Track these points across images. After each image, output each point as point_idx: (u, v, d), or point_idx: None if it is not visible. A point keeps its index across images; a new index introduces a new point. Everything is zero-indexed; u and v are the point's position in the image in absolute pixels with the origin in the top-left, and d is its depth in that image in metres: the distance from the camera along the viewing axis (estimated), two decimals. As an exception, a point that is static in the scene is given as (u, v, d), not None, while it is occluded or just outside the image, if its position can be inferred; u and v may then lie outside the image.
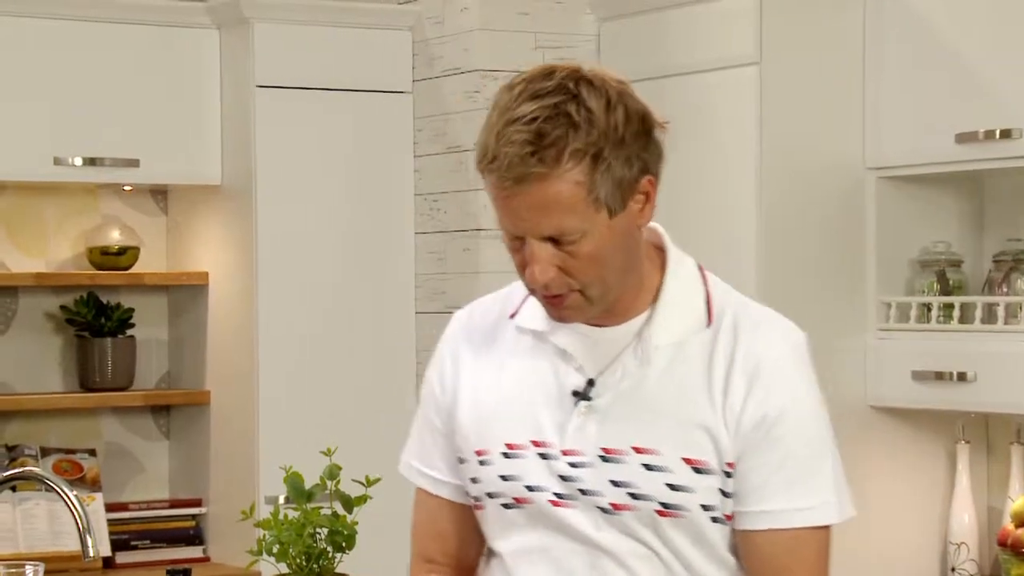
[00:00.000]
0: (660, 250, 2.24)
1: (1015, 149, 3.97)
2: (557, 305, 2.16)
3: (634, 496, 2.15)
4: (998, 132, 3.99)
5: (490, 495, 2.25)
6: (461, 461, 2.29)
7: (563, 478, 2.18)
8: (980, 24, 4.06)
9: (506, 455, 2.22)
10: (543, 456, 2.19)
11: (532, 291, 2.18)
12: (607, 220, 2.10)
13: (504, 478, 2.23)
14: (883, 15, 4.26)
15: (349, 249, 4.75)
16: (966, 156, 4.09)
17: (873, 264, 4.31)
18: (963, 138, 4.07)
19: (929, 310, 4.26)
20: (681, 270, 2.22)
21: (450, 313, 4.69)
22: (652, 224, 2.23)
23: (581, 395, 2.19)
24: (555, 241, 2.10)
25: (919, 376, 4.17)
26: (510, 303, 2.31)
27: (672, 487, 2.14)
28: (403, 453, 2.41)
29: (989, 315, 4.12)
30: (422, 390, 2.41)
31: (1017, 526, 4.09)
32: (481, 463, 2.25)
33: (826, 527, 2.17)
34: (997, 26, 4.02)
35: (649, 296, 2.20)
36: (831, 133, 4.29)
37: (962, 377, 4.07)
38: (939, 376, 4.12)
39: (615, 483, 2.16)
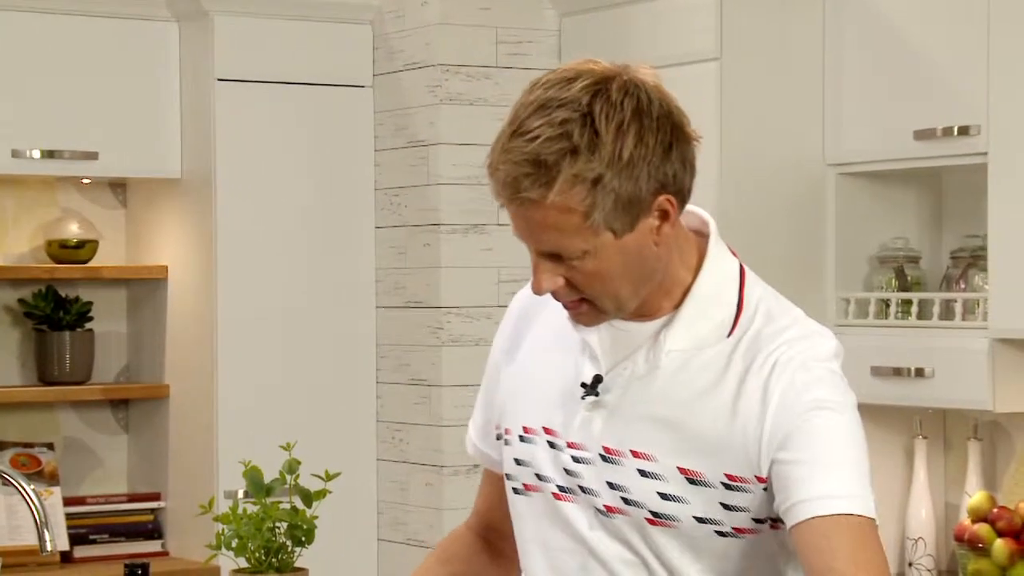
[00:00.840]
0: (706, 239, 2.17)
1: (973, 146, 3.98)
2: (571, 311, 2.12)
3: (626, 501, 2.12)
4: (956, 129, 4.01)
5: (507, 476, 2.25)
6: (497, 437, 2.29)
7: (567, 472, 2.16)
8: (938, 22, 4.08)
9: (522, 438, 2.21)
10: (551, 445, 2.18)
11: None
12: (613, 240, 2.03)
13: (518, 462, 2.22)
14: (842, 12, 4.28)
15: (309, 244, 4.74)
16: (924, 153, 4.11)
17: (832, 260, 4.33)
18: (921, 135, 4.09)
19: (888, 306, 4.28)
20: (715, 274, 2.14)
21: (410, 307, 4.73)
22: (703, 214, 2.18)
23: (589, 388, 2.15)
24: (558, 256, 2.05)
25: (877, 372, 4.19)
26: None
27: (663, 496, 2.10)
28: (469, 424, 2.42)
29: (947, 311, 4.14)
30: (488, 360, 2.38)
31: (974, 521, 4.11)
32: (506, 442, 2.25)
33: (861, 518, 2.02)
34: (955, 23, 4.04)
35: (679, 296, 2.13)
36: (791, 129, 4.30)
37: (920, 373, 4.09)
38: (897, 372, 4.14)
39: (611, 485, 2.12)
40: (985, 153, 3.95)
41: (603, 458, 2.13)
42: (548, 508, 2.19)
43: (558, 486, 2.17)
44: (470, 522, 2.44)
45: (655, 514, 2.10)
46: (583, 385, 2.15)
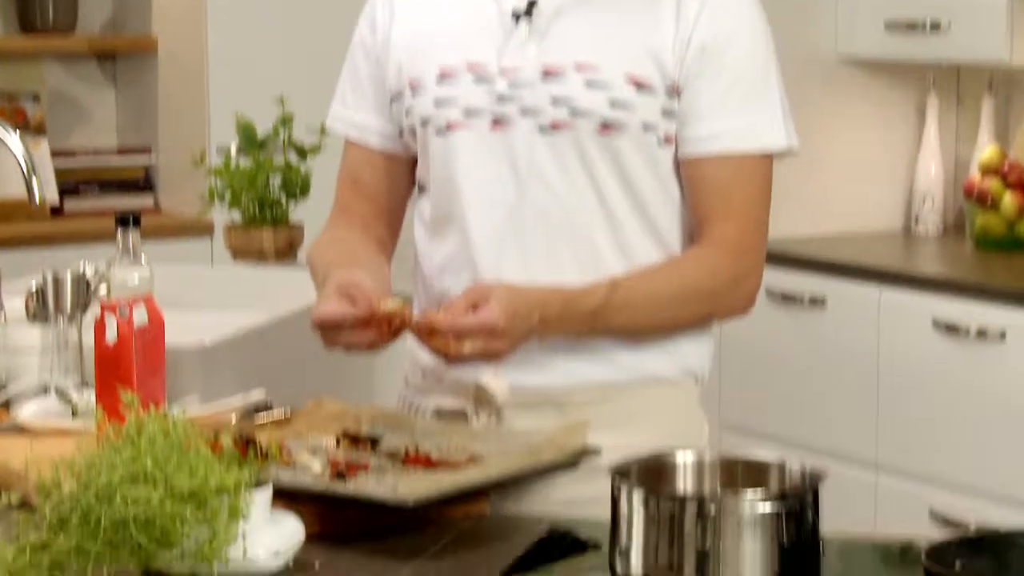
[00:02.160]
0: None
1: None
2: None
3: (575, 113, 2.12)
4: None
5: (423, 123, 2.20)
6: (395, 99, 2.24)
7: (502, 98, 2.15)
8: None
9: (440, 80, 2.18)
10: (480, 79, 2.15)
11: None
12: None
13: (439, 102, 2.18)
14: None
15: None
16: None
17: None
18: None
19: (903, -44, 4.14)
20: None
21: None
22: None
23: (524, 14, 2.15)
24: None
25: (891, 26, 4.09)
26: None
27: (613, 104, 2.12)
28: (331, 107, 2.35)
29: (966, -39, 4.01)
30: (352, 41, 2.33)
31: (984, 175, 4.07)
32: (414, 92, 2.20)
33: (770, 158, 2.16)
34: None
35: None
36: None
37: (936, 26, 3.99)
38: (911, 26, 4.05)
39: (556, 100, 2.13)
40: None
41: (543, 77, 2.14)
42: (481, 141, 2.16)
43: (493, 117, 2.15)
44: (354, 217, 2.31)
45: (605, 122, 2.12)
46: (515, 15, 2.14)
